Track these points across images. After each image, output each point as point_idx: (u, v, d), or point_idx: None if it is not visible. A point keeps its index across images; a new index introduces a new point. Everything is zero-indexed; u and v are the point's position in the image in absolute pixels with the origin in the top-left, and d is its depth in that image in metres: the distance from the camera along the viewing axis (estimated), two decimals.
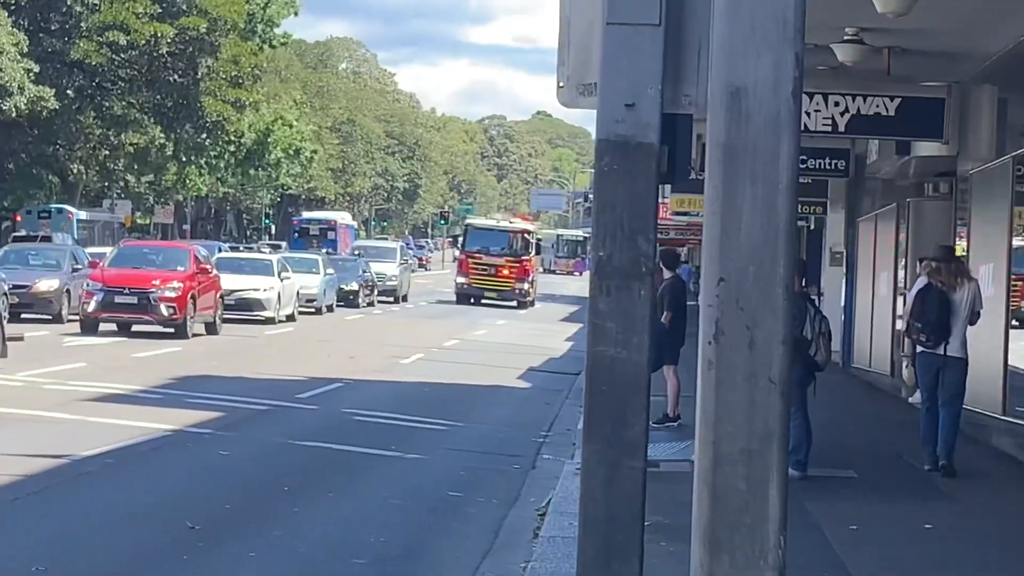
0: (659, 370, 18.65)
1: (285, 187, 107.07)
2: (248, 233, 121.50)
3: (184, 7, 62.69)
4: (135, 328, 36.26)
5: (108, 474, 15.92)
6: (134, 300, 35.36)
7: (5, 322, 27.72)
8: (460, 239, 74.15)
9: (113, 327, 36.48)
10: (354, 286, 57.03)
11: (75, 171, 74.14)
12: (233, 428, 20.22)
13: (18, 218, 63.12)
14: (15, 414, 19.78)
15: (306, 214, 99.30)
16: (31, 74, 54.43)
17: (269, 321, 43.56)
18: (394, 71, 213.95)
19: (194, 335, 36.15)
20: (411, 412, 23.47)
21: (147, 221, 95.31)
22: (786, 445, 5.78)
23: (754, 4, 5.60)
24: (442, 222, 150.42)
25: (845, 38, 18.38)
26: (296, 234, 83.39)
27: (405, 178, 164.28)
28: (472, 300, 64.45)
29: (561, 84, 7.42)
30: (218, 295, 38.98)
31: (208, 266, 39.40)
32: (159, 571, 11.35)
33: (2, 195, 74.03)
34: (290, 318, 45.63)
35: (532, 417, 24.54)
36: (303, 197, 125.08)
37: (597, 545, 6.67)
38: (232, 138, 68.42)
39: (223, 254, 52.05)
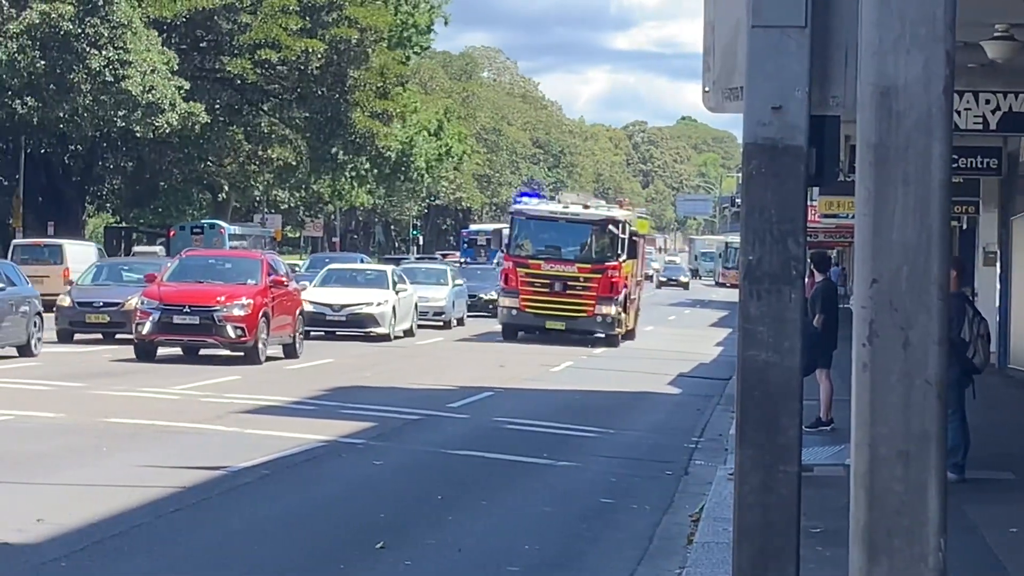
0: (811, 374, 18.48)
1: (434, 196, 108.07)
2: (396, 244, 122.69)
3: (333, 19, 63.23)
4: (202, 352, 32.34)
5: (264, 485, 16.13)
6: (196, 320, 30.68)
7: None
8: (506, 235, 45.16)
9: (176, 351, 32.49)
10: (493, 295, 50.91)
11: (225, 187, 75.47)
12: (385, 438, 20.40)
13: (172, 234, 64.27)
14: (173, 427, 20.15)
15: (473, 226, 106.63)
16: (182, 91, 55.40)
17: (383, 338, 40.14)
18: (537, 80, 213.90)
19: (268, 359, 31.54)
20: (562, 419, 23.55)
21: (297, 234, 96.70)
22: (944, 447, 5.69)
23: (903, 2, 5.55)
24: None
25: (995, 35, 18.12)
26: (466, 244, 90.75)
27: (551, 187, 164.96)
28: (522, 334, 41.87)
29: (707, 89, 7.40)
30: (299, 312, 34.46)
31: (284, 278, 34.13)
32: None
33: (156, 212, 75.56)
34: (408, 333, 42.79)
35: (683, 423, 24.53)
36: (450, 208, 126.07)
37: (753, 551, 6.64)
38: (380, 151, 68.81)
39: (333, 265, 48.78)
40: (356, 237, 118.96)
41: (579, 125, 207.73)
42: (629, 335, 44.50)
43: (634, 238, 44.47)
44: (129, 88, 52.16)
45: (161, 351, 31.75)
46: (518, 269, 41.25)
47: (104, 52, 52.11)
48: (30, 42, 52.09)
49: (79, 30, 51.77)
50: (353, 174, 74.97)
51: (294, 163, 69.77)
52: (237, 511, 14.52)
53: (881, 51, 5.60)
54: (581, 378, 31.96)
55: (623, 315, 41.58)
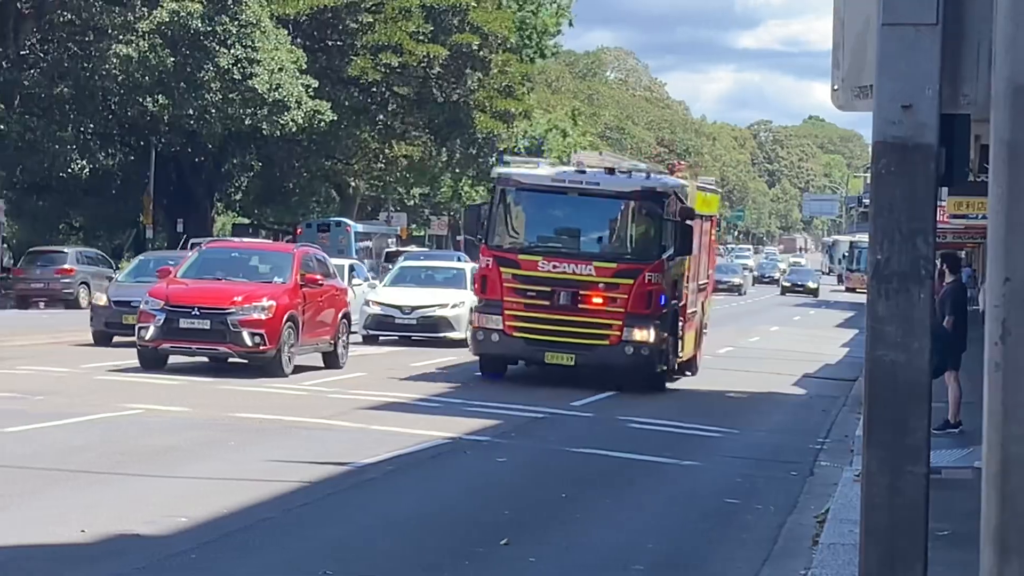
0: (940, 376, 18.30)
1: None
2: None
3: (455, 24, 63.55)
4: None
5: (389, 481, 16.27)
6: (205, 325, 25.74)
7: None
8: (484, 215, 27.97)
9: (186, 359, 27.49)
10: None
11: (352, 184, 76.12)
12: (510, 435, 20.48)
13: (299, 232, 64.94)
14: (300, 422, 20.35)
15: None
16: (309, 90, 56.02)
17: (459, 343, 33.96)
18: (664, 81, 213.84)
19: (296, 370, 26.90)
20: (685, 419, 23.52)
21: (422, 232, 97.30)
22: None
23: None
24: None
25: None
26: None
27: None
28: (505, 368, 28.07)
29: (835, 87, 7.36)
30: (342, 314, 29.16)
31: (319, 276, 28.30)
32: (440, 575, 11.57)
33: (283, 210, 76.45)
34: None
35: (808, 424, 24.42)
36: None
37: (880, 552, 6.60)
38: (503, 151, 68.96)
39: (407, 263, 43.88)
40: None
41: (702, 124, 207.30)
42: (687, 366, 30.42)
43: (689, 221, 27.22)
44: (256, 86, 52.91)
45: None
46: (502, 270, 26.43)
47: (232, 50, 52.96)
48: (160, 40, 53.17)
49: (208, 28, 52.68)
50: (474, 173, 75.06)
51: (420, 161, 70.12)
52: (363, 506, 14.67)
53: (1016, 45, 5.55)
54: (703, 377, 31.82)
55: (670, 341, 26.99)
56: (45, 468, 15.07)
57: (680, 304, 27.96)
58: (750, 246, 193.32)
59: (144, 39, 52.92)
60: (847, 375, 32.24)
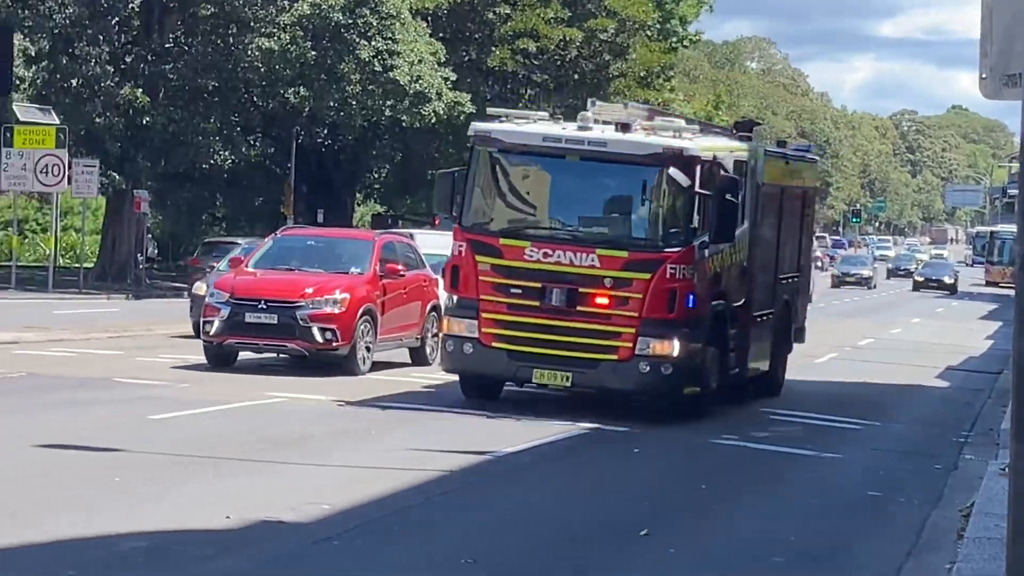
0: None
1: None
2: None
3: (592, 9, 63.45)
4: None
5: (530, 470, 16.42)
6: (272, 319, 23.76)
7: None
8: (456, 185, 20.90)
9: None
10: None
11: None
12: (649, 426, 20.19)
13: (437, 222, 65.33)
14: (440, 412, 20.53)
15: None
16: (448, 82, 56.32)
17: None
18: (805, 72, 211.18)
19: (374, 367, 25.12)
20: (827, 411, 23.37)
21: None
22: None
23: None
24: (855, 219, 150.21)
25: None
26: None
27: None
28: (499, 390, 21.84)
29: (983, 76, 7.28)
30: (429, 307, 26.89)
31: (403, 266, 25.96)
32: (580, 565, 11.64)
33: (421, 200, 77.02)
34: None
35: (951, 416, 24.26)
36: None
37: None
38: None
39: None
40: None
41: (843, 114, 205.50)
42: (764, 383, 24.48)
43: (731, 196, 20.11)
44: (397, 78, 53.29)
45: None
46: (478, 259, 20.34)
47: (373, 43, 53.38)
48: (301, 33, 53.81)
49: (349, 21, 53.15)
50: None
51: None
52: (504, 494, 14.82)
53: None
54: (846, 370, 31.63)
55: (710, 354, 20.57)
56: (191, 455, 15.32)
57: (736, 305, 21.84)
58: (890, 237, 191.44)
59: (286, 32, 53.65)
60: (991, 368, 31.91)
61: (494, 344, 20.04)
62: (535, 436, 18.30)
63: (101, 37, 52.71)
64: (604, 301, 19.69)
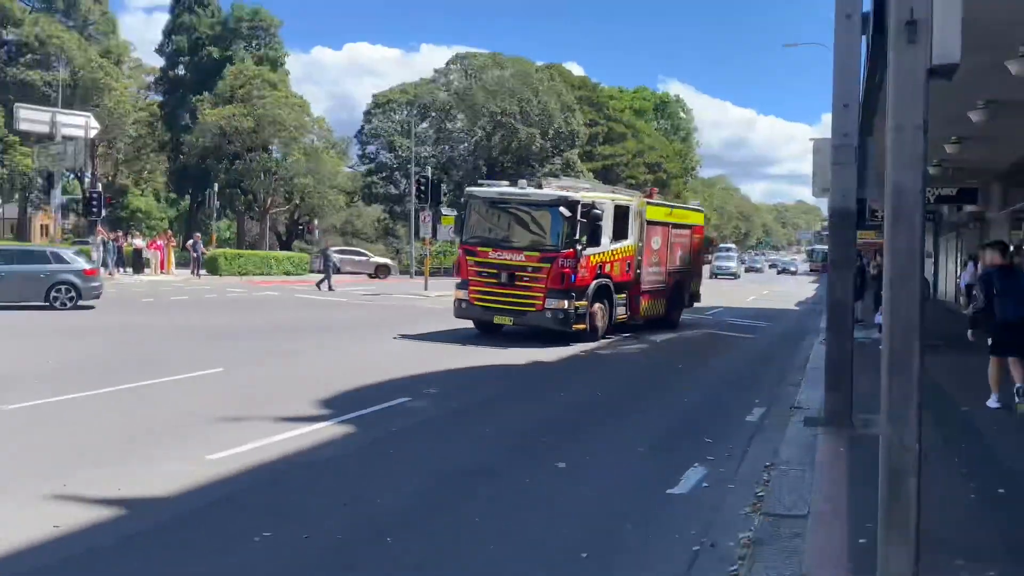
0: None
1: None
2: None
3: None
4: None
5: (526, 371, 25.28)
6: None
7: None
8: (460, 221, 37.86)
9: None
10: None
11: None
12: (584, 344, 29.82)
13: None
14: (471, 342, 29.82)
15: None
16: None
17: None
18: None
19: None
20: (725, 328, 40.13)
21: None
22: None
23: None
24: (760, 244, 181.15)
25: None
26: None
27: None
28: (479, 330, 35.90)
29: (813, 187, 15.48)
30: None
31: None
32: (578, 426, 18.36)
33: None
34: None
35: (802, 323, 43.79)
36: None
37: None
38: None
39: None
40: None
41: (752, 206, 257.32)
42: (666, 323, 40.50)
43: (598, 222, 33.81)
44: None
45: None
46: (468, 258, 34.63)
47: None
48: None
49: None
50: None
51: None
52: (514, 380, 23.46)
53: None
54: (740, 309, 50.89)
55: (593, 307, 34.31)
56: None
57: (623, 282, 36.29)
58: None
59: None
60: (816, 301, 56.89)
61: (475, 303, 34.10)
62: (522, 357, 27.29)
63: None
64: (528, 280, 33.17)
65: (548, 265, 32.99)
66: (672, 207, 42.39)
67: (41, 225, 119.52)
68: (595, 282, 34.11)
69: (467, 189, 37.53)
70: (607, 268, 34.93)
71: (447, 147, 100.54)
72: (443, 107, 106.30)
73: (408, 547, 10.82)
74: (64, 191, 78.28)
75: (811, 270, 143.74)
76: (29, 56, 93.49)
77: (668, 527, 11.83)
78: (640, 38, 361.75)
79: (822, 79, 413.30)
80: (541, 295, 33.03)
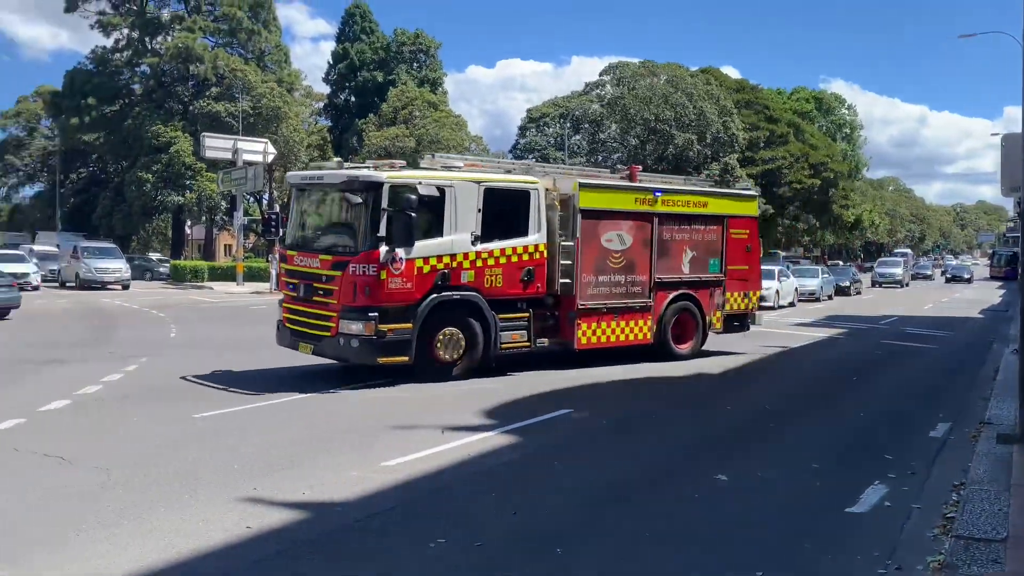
0: None
1: None
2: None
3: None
4: None
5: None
6: None
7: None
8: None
9: None
10: (846, 283, 79.95)
11: None
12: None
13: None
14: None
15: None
16: None
17: (770, 308, 54.61)
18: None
19: None
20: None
21: None
22: None
23: None
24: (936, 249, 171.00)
25: None
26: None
27: None
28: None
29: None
30: None
31: None
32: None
33: None
34: (791, 304, 61.02)
35: (987, 328, 40.86)
36: None
37: None
38: None
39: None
40: None
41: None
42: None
43: (413, 213, 23.68)
44: None
45: None
46: (281, 265, 27.12)
47: None
48: None
49: None
50: None
51: None
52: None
53: None
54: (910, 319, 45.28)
55: (428, 335, 24.48)
56: None
57: (510, 293, 25.84)
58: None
59: None
60: (1004, 308, 51.43)
61: (286, 323, 25.58)
62: (682, 370, 26.88)
63: None
64: (322, 293, 24.23)
65: (340, 273, 23.94)
66: (679, 191, 30.34)
67: (225, 245, 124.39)
68: (434, 296, 24.38)
69: (289, 174, 28.33)
70: (470, 277, 25.01)
71: (600, 157, 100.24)
72: (596, 118, 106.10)
73: (577, 559, 10.85)
74: (245, 213, 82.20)
75: (991, 276, 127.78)
76: (214, 89, 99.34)
77: (849, 547, 11.39)
78: (798, 38, 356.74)
79: (1004, 70, 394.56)
80: (336, 315, 24.02)
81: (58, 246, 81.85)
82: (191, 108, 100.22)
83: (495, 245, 25.36)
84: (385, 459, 15.33)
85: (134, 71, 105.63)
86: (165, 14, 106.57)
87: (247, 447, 16.38)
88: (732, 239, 31.00)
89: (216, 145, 73.53)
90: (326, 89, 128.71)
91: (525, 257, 25.97)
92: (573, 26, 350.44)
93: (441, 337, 24.46)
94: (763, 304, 50.95)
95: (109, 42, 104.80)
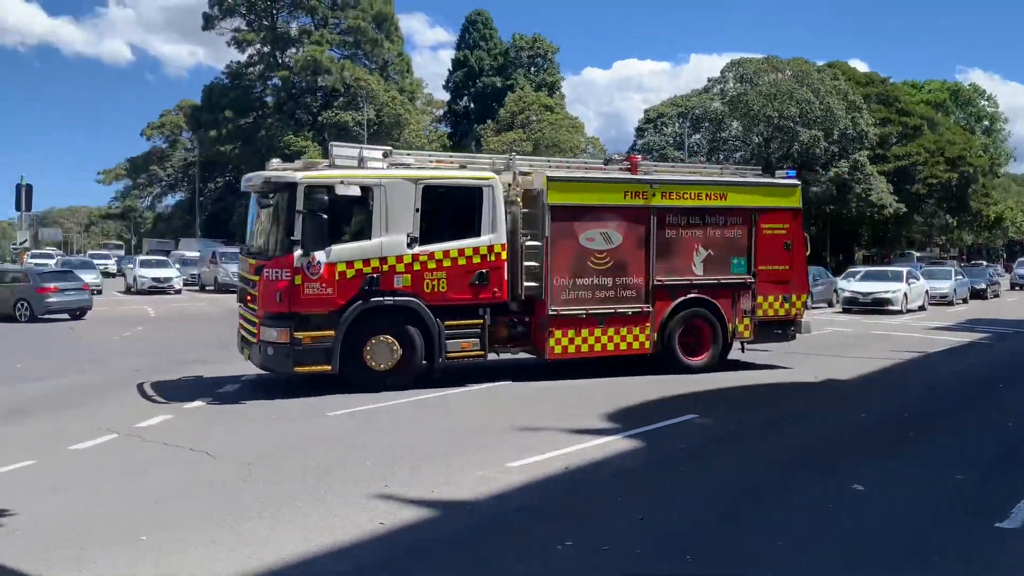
0: None
1: None
2: None
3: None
4: None
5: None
6: None
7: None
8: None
9: None
10: (982, 285, 72.38)
11: None
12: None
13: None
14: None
15: None
16: None
17: (897, 312, 52.37)
18: None
19: None
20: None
21: None
22: None
23: None
24: None
25: None
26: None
27: None
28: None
29: None
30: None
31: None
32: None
33: None
34: (921, 308, 56.23)
35: None
36: None
37: None
38: None
39: (870, 268, 62.48)
40: None
41: None
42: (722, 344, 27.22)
43: (324, 214, 22.60)
44: None
45: None
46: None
47: None
48: None
49: None
50: None
51: None
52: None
53: None
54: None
55: (355, 343, 23.02)
56: None
57: (457, 299, 23.78)
58: None
59: None
60: None
61: (240, 329, 24.57)
62: (809, 375, 26.04)
63: None
64: (251, 299, 23.40)
65: (258, 278, 23.05)
66: (685, 183, 26.64)
67: None
68: (359, 303, 22.85)
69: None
70: (405, 281, 23.27)
71: (721, 155, 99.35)
72: (716, 116, 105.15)
73: (708, 566, 10.80)
74: None
75: None
76: (341, 100, 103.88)
77: (999, 564, 11.04)
78: (929, 27, 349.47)
79: None
80: (259, 321, 22.90)
81: (198, 252, 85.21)
82: (319, 118, 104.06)
83: (437, 247, 23.54)
84: (510, 460, 15.44)
85: (266, 84, 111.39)
86: (294, 28, 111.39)
87: (377, 445, 16.82)
88: (764, 235, 27.23)
89: (342, 153, 73.22)
90: (446, 96, 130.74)
91: (476, 259, 23.90)
92: (692, 24, 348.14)
93: (370, 346, 23.00)
94: (889, 308, 52.76)
95: (243, 57, 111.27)
